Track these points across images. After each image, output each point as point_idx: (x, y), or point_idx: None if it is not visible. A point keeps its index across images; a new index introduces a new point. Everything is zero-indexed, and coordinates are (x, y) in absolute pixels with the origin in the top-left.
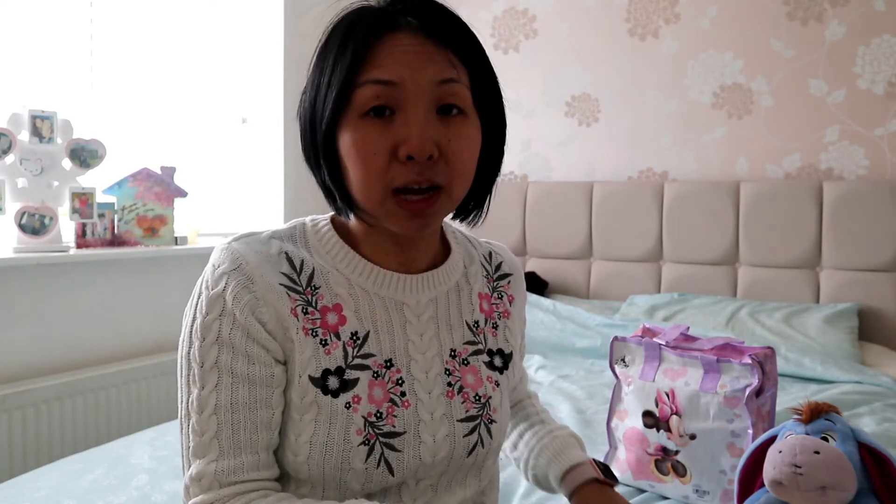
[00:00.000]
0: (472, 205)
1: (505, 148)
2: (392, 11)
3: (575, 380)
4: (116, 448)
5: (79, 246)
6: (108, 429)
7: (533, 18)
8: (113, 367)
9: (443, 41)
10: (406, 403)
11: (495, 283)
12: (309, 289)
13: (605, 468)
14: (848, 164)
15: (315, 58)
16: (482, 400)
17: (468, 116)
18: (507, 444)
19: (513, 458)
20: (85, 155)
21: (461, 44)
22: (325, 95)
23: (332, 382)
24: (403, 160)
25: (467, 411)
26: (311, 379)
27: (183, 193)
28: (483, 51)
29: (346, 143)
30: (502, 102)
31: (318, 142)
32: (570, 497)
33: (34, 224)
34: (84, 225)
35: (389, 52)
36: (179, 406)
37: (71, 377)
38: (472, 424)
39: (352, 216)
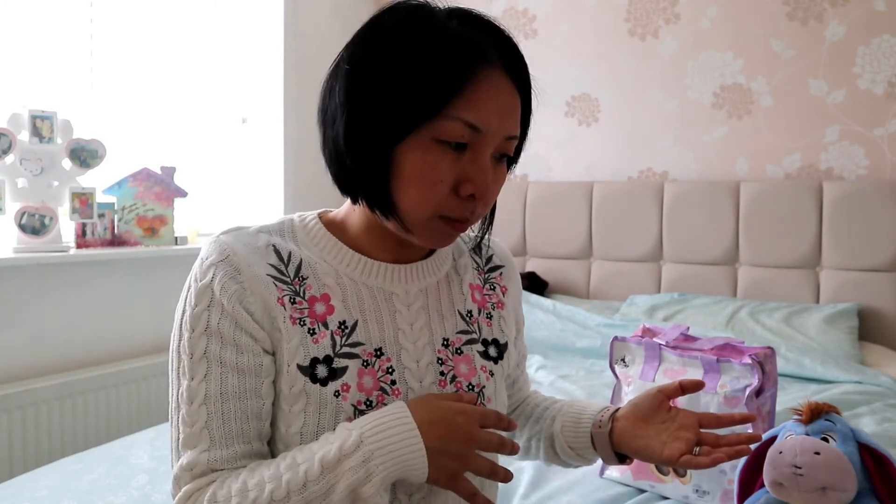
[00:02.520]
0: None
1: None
2: (483, 42)
3: (575, 380)
4: (116, 448)
5: (79, 246)
6: (108, 429)
7: (533, 18)
8: (113, 367)
9: (520, 91)
10: (396, 392)
11: (487, 275)
12: (297, 279)
13: None
14: (848, 164)
15: (385, 46)
16: (476, 389)
17: (505, 163)
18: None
19: (530, 435)
20: (85, 155)
21: (529, 100)
22: (406, 106)
23: (321, 371)
24: (464, 197)
25: None
26: (300, 367)
27: (183, 193)
28: (530, 95)
29: (411, 159)
30: (523, 149)
31: (369, 140)
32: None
33: (34, 224)
34: (84, 225)
35: (485, 94)
36: (170, 398)
37: (71, 377)
38: None
39: (347, 210)
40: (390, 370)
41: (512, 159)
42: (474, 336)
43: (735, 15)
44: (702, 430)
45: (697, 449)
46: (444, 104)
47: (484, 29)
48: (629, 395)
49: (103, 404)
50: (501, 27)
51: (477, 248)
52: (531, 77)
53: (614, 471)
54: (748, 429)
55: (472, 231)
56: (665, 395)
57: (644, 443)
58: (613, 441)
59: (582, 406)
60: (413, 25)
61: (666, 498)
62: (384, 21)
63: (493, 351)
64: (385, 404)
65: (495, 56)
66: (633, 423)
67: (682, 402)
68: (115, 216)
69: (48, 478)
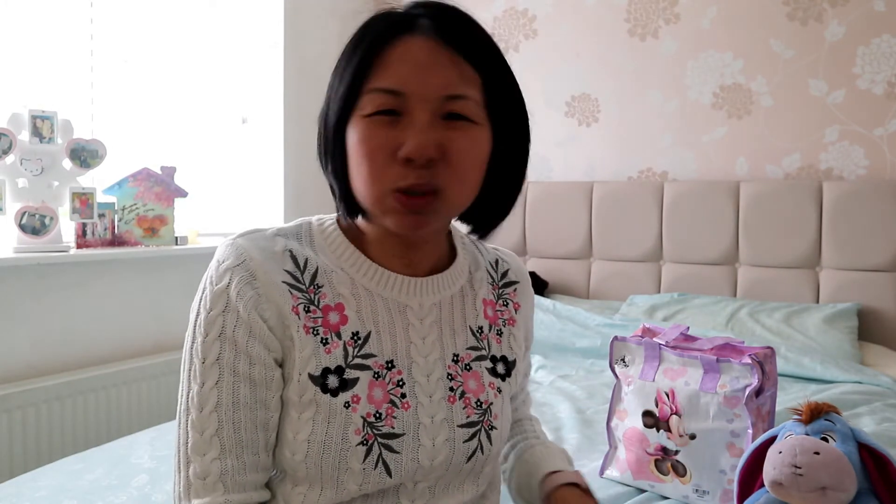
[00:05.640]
0: (484, 217)
1: (528, 159)
2: (410, 15)
3: (575, 380)
4: (116, 448)
5: (79, 246)
6: (108, 429)
7: (533, 18)
8: (113, 367)
9: (456, 48)
10: (406, 405)
11: (501, 290)
12: (312, 287)
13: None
14: (848, 164)
15: (340, 56)
16: (483, 406)
17: (477, 124)
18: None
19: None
20: (85, 155)
21: (475, 53)
22: (337, 96)
23: (332, 381)
24: (403, 162)
25: (468, 417)
26: (311, 377)
27: (183, 193)
28: (500, 60)
29: (351, 141)
30: (522, 113)
31: (327, 139)
32: (547, 497)
33: (34, 224)
34: (84, 225)
35: (399, 59)
36: (179, 399)
37: (71, 377)
38: (472, 430)
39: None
40: (401, 383)
41: (503, 126)
42: (483, 352)
43: (735, 15)
44: None
45: None
46: (361, 81)
47: (417, 6)
48: (629, 394)
49: (103, 404)
50: (442, 1)
51: (494, 261)
52: (479, 31)
53: (614, 471)
54: (748, 429)
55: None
56: None
57: None
58: None
59: (528, 480)
60: (366, 19)
61: (666, 498)
62: None
63: (501, 368)
64: (394, 417)
65: (417, 24)
66: None
67: (682, 401)
68: (116, 216)
69: (48, 478)
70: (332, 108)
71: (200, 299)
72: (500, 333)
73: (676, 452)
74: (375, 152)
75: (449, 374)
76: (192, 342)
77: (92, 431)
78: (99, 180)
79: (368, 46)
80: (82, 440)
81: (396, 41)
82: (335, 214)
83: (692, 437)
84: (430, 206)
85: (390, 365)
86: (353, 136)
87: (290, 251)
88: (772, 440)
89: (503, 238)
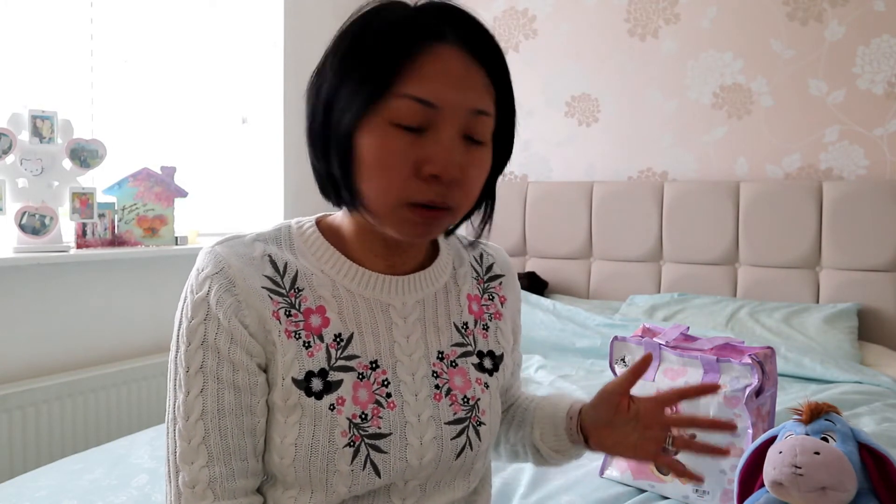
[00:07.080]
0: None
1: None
2: (435, 20)
3: (575, 380)
4: (116, 448)
5: (79, 246)
6: (108, 429)
7: (533, 18)
8: (113, 367)
9: (483, 64)
10: (391, 405)
11: (486, 285)
12: (292, 291)
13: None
14: (848, 164)
15: (342, 39)
16: (470, 402)
17: (485, 146)
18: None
19: (515, 441)
20: (85, 155)
21: (498, 72)
22: (356, 90)
23: (316, 384)
24: (426, 178)
25: (455, 414)
26: (295, 381)
27: (183, 193)
28: (510, 81)
29: (368, 146)
30: (513, 129)
31: (332, 132)
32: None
33: (34, 224)
34: (84, 225)
35: (433, 68)
36: (167, 409)
37: (71, 377)
38: (459, 427)
39: (342, 214)
40: (385, 383)
41: (501, 148)
42: (469, 348)
43: (735, 15)
44: (673, 428)
45: (670, 439)
46: (388, 82)
47: (439, 9)
48: None
49: (103, 404)
50: (463, 8)
51: (479, 256)
52: (502, 55)
53: (614, 471)
54: (748, 429)
55: (472, 225)
56: (619, 395)
57: (617, 450)
58: (592, 447)
59: (552, 410)
60: (367, 12)
61: (666, 498)
62: (352, 16)
63: (488, 363)
64: (380, 417)
65: (446, 31)
66: (599, 432)
67: (682, 403)
68: (116, 216)
69: (48, 478)
70: (347, 101)
71: (182, 308)
72: (486, 328)
73: (676, 452)
74: (398, 165)
75: (434, 372)
76: (176, 351)
77: (92, 431)
78: (99, 180)
79: (401, 46)
80: (82, 440)
81: (427, 48)
82: (314, 217)
83: (692, 437)
84: (441, 221)
85: (374, 365)
86: (372, 143)
87: (270, 256)
88: (772, 440)
89: (503, 238)
